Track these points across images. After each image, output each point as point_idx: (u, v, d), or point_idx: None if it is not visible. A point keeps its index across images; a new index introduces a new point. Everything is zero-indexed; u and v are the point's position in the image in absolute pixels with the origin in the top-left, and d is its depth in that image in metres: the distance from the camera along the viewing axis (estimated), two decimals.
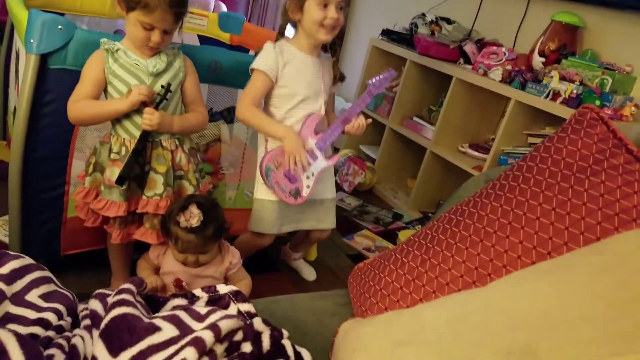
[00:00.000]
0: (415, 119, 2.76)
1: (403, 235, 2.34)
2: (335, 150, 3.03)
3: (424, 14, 2.89)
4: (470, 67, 2.52)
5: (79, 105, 1.29)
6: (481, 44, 2.60)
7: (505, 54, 2.37)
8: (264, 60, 1.49)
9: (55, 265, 1.06)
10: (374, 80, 1.53)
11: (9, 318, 0.74)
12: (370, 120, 1.57)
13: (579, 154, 0.82)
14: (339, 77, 1.63)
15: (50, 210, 1.50)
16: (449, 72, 2.47)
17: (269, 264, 1.95)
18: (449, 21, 2.82)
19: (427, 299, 0.86)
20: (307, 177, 1.57)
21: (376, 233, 2.37)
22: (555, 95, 2.01)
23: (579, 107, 0.94)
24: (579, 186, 0.78)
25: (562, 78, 2.02)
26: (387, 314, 0.88)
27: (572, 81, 1.99)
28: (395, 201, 2.78)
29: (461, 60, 2.61)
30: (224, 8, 4.41)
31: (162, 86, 1.32)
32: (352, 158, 2.89)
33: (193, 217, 1.28)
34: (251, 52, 2.35)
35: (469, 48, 2.58)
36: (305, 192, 1.57)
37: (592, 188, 0.77)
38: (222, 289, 0.89)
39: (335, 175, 2.82)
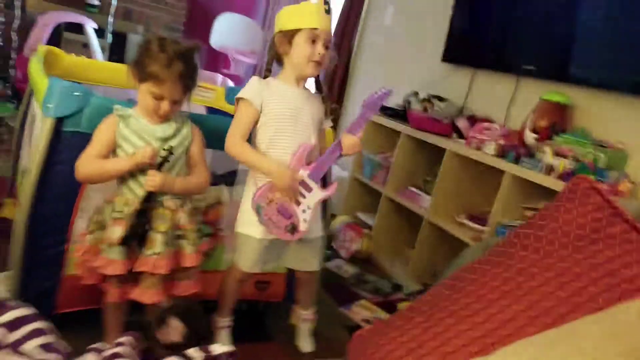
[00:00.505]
0: (411, 188, 2.82)
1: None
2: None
3: (416, 92, 3.03)
4: (463, 141, 2.61)
5: (87, 163, 1.35)
6: (473, 120, 2.72)
7: (497, 129, 2.47)
8: (249, 89, 1.53)
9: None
10: (367, 100, 1.54)
11: None
12: (356, 137, 1.55)
13: (576, 223, 0.83)
14: (329, 112, 1.65)
15: (50, 267, 1.51)
16: (442, 145, 2.56)
17: (263, 332, 1.92)
18: (440, 99, 2.96)
19: None
20: (303, 211, 1.53)
21: (375, 304, 2.34)
22: (550, 170, 2.07)
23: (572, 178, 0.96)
24: (577, 254, 0.80)
25: (556, 154, 2.09)
26: None
27: (565, 157, 2.05)
28: (393, 270, 2.77)
29: (454, 135, 2.72)
30: (230, 83, 4.62)
31: (164, 149, 1.39)
32: (349, 224, 2.92)
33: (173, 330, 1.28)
34: None
35: (462, 123, 2.68)
36: (302, 227, 1.54)
37: (591, 257, 0.79)
38: (217, 349, 0.89)
39: (332, 242, 2.86)
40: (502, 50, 2.74)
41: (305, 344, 1.87)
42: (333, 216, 3.13)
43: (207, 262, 1.68)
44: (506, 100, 2.71)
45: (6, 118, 3.60)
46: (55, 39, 4.21)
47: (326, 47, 1.52)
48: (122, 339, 0.81)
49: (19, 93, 2.37)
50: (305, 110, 1.58)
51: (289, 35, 1.52)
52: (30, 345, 0.79)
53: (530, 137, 2.30)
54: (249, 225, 1.58)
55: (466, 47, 2.98)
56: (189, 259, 1.45)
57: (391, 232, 2.99)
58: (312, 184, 1.54)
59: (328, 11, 1.52)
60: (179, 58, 1.35)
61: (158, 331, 1.25)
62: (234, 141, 1.52)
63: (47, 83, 1.43)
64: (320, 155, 1.61)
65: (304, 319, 1.87)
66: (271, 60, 1.61)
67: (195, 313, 1.34)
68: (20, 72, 3.85)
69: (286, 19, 1.54)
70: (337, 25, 4.07)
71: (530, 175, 2.11)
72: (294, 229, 1.54)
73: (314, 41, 1.50)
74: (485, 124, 2.54)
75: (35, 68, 1.76)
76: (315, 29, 1.50)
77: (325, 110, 1.65)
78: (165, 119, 1.41)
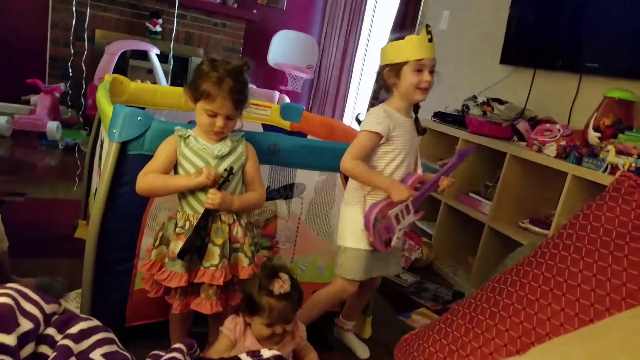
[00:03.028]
0: (471, 194, 2.76)
1: None
2: None
3: (475, 96, 2.97)
4: (524, 144, 2.54)
5: (147, 177, 1.44)
6: (534, 121, 2.63)
7: (559, 130, 2.38)
8: (377, 122, 1.62)
9: (119, 336, 1.13)
10: (462, 151, 1.70)
11: None
12: (453, 180, 1.70)
13: (618, 221, 0.82)
14: (421, 131, 1.75)
15: (119, 282, 1.61)
16: (503, 149, 2.50)
17: (324, 342, 1.94)
18: (500, 102, 2.89)
19: None
20: (399, 230, 1.68)
21: (434, 311, 2.32)
22: (614, 169, 1.98)
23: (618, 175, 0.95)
24: (618, 252, 0.79)
25: (620, 152, 2.00)
26: None
27: (630, 154, 1.96)
28: (455, 278, 2.72)
29: (515, 138, 2.64)
30: (287, 99, 4.74)
31: (226, 169, 1.45)
32: (408, 233, 2.89)
33: (285, 282, 1.37)
34: (310, 136, 2.53)
35: (522, 126, 2.61)
36: (394, 243, 1.68)
37: (631, 254, 0.77)
38: (266, 353, 0.93)
39: None
40: (563, 48, 2.64)
41: (362, 351, 1.90)
42: None
43: None
44: (569, 100, 2.61)
45: (80, 144, 3.89)
46: (122, 67, 4.50)
47: (431, 72, 1.63)
48: (176, 345, 0.86)
49: (91, 120, 2.56)
50: (414, 141, 1.72)
51: (397, 69, 1.62)
52: (95, 355, 0.85)
53: (593, 136, 2.20)
54: (357, 241, 1.68)
55: (525, 47, 2.91)
56: (245, 271, 1.50)
57: (452, 240, 2.94)
58: (412, 208, 1.69)
59: (431, 40, 1.61)
60: (229, 75, 1.42)
61: (272, 283, 1.36)
62: (350, 158, 1.62)
63: (112, 110, 1.54)
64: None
65: (347, 329, 1.92)
66: (379, 90, 1.73)
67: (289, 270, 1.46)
68: (91, 100, 4.14)
69: (393, 54, 1.64)
70: (392, 32, 4.08)
71: (593, 176, 2.03)
72: (389, 243, 1.67)
73: (419, 70, 1.60)
74: (547, 125, 2.46)
75: (102, 95, 1.89)
76: (420, 59, 1.60)
77: (417, 130, 1.75)
78: (220, 136, 1.48)
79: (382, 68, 1.66)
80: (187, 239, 1.41)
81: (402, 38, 1.63)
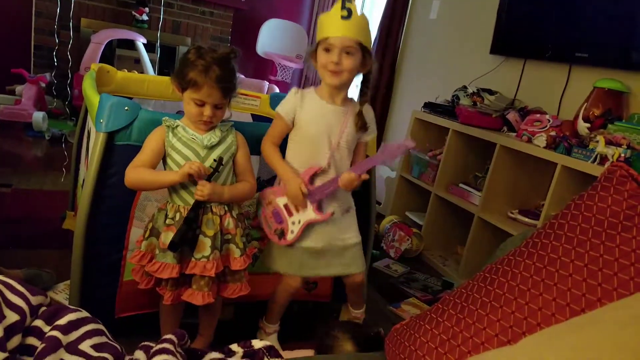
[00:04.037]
0: (461, 185, 2.77)
1: None
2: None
3: (465, 87, 2.98)
4: (514, 134, 2.54)
5: (136, 171, 1.42)
6: (524, 112, 2.64)
7: (549, 120, 2.39)
8: (283, 105, 1.59)
9: (108, 328, 1.13)
10: (386, 146, 1.46)
11: None
12: (367, 176, 1.53)
13: (609, 211, 0.82)
14: (360, 126, 1.60)
15: (108, 274, 1.60)
16: (492, 140, 2.50)
17: (311, 332, 1.94)
18: (490, 92, 2.89)
19: (462, 359, 0.86)
20: (293, 223, 1.61)
21: (424, 301, 2.33)
22: (604, 159, 1.99)
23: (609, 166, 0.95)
24: (610, 242, 0.79)
25: (609, 142, 2.01)
26: None
27: (619, 145, 1.97)
28: (445, 268, 2.74)
29: (505, 129, 2.65)
30: (277, 89, 4.71)
31: (215, 160, 1.44)
32: (398, 224, 2.90)
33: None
34: None
35: (512, 116, 2.62)
36: (289, 237, 1.61)
37: (623, 244, 0.77)
38: (257, 344, 0.92)
39: (381, 242, 2.86)
40: (553, 38, 2.65)
41: None
42: (381, 217, 3.12)
43: (257, 264, 1.73)
44: (559, 90, 2.62)
45: (67, 135, 3.84)
46: (109, 56, 4.43)
47: (347, 53, 1.50)
48: (167, 336, 0.85)
49: (77, 110, 2.52)
50: (335, 130, 1.59)
51: (315, 47, 1.56)
52: (84, 346, 0.84)
53: (582, 126, 2.21)
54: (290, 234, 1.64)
55: (515, 37, 2.91)
56: (237, 262, 1.50)
57: (441, 230, 2.95)
58: (307, 203, 1.60)
59: (348, 16, 1.48)
60: (215, 63, 1.40)
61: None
62: (265, 143, 1.63)
63: (98, 99, 1.51)
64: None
65: (353, 317, 1.91)
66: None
67: None
68: (77, 90, 4.08)
69: (317, 30, 1.57)
70: (381, 22, 4.06)
71: (582, 166, 2.04)
72: (282, 234, 1.62)
73: (327, 49, 1.51)
74: (537, 116, 2.47)
75: (88, 85, 1.86)
76: (327, 37, 1.50)
77: (363, 123, 1.62)
78: (209, 125, 1.47)
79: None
80: (177, 230, 1.40)
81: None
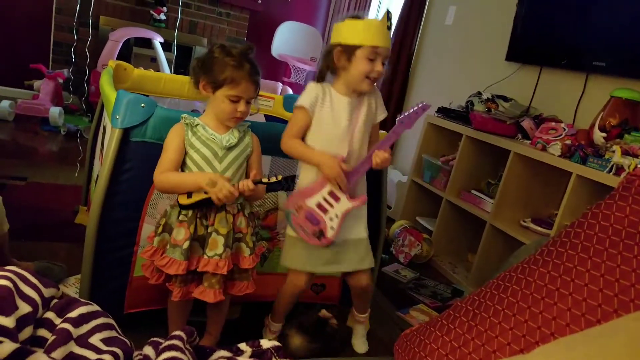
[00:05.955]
0: (473, 191, 2.75)
1: None
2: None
3: (479, 93, 2.96)
4: (528, 142, 2.52)
5: (164, 175, 1.41)
6: (539, 119, 2.62)
7: (564, 129, 2.36)
8: (306, 97, 1.57)
9: (117, 323, 1.13)
10: (402, 116, 1.49)
11: (72, 357, 0.81)
12: (388, 155, 1.53)
13: (627, 220, 0.81)
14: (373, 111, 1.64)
15: (118, 269, 1.61)
16: (506, 147, 2.48)
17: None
18: (505, 99, 2.87)
19: None
20: (331, 219, 1.57)
21: (433, 308, 2.31)
22: (620, 170, 1.96)
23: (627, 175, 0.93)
24: (627, 253, 0.78)
25: (625, 153, 1.98)
26: None
27: (636, 155, 1.94)
28: (454, 276, 2.71)
29: (519, 136, 2.63)
30: (290, 91, 4.73)
31: (275, 176, 1.42)
32: (408, 229, 2.88)
33: None
34: None
35: (527, 124, 2.59)
36: (329, 234, 1.58)
37: None
38: (265, 344, 0.92)
39: (390, 246, 2.85)
40: (570, 46, 2.62)
41: (360, 345, 1.89)
42: (391, 221, 3.11)
43: (265, 264, 1.73)
44: (574, 99, 2.60)
45: (82, 131, 3.87)
46: (126, 54, 4.47)
47: (383, 64, 1.53)
48: (176, 333, 0.85)
49: (93, 107, 2.55)
50: (351, 124, 1.60)
51: (350, 51, 1.52)
52: (94, 339, 0.85)
53: (598, 136, 2.18)
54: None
55: (531, 44, 2.89)
56: (246, 260, 1.50)
57: (452, 237, 2.93)
58: (339, 194, 1.57)
59: (389, 27, 1.51)
60: (244, 58, 1.41)
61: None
62: (286, 137, 1.59)
63: (115, 96, 1.53)
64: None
65: (358, 320, 1.90)
66: (325, 70, 1.61)
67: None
68: (94, 86, 4.12)
69: (348, 33, 1.53)
70: (397, 26, 4.05)
71: (597, 176, 2.01)
72: (321, 234, 1.58)
73: (373, 59, 1.50)
74: (552, 124, 2.44)
75: (105, 82, 1.88)
76: (377, 46, 1.49)
77: (377, 104, 1.65)
78: (240, 121, 1.47)
79: (333, 46, 1.55)
80: (192, 227, 1.41)
81: (361, 18, 1.52)
